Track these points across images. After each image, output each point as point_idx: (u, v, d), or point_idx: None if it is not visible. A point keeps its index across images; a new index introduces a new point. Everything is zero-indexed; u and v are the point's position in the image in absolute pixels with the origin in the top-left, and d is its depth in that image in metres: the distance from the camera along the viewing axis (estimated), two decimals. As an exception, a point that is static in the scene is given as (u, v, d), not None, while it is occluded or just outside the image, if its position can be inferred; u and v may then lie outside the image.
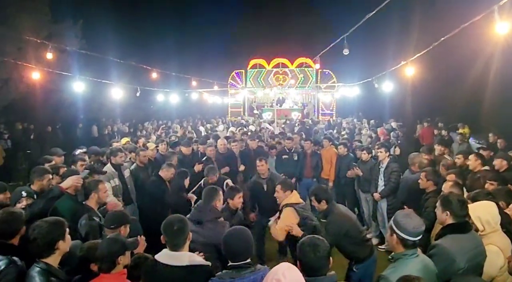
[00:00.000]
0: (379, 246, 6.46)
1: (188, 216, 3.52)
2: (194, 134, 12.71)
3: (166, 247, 2.71)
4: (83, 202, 3.89)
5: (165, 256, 2.63)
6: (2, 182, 4.00)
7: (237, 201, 4.25)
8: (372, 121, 17.47)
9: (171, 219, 2.72)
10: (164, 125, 11.61)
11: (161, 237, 2.69)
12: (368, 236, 6.74)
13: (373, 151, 7.01)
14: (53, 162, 5.17)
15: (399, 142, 9.66)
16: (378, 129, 12.80)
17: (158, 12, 23.02)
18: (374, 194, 6.34)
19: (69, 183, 3.94)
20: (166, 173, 5.60)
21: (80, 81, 7.84)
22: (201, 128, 15.61)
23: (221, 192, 3.89)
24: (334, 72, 20.83)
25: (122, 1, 20.90)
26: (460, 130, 12.67)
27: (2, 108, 14.81)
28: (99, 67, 12.46)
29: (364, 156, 6.78)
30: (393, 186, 6.00)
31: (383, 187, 6.20)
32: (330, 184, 7.60)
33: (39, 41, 7.99)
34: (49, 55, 6.96)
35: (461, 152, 6.26)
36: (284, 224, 4.05)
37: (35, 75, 7.84)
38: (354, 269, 3.96)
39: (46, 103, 15.35)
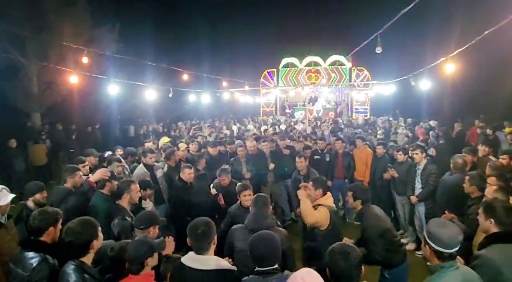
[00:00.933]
0: (416, 252, 6.19)
1: (244, 224, 3.50)
2: (228, 133, 12.81)
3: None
4: (116, 202, 3.99)
5: (191, 259, 2.61)
6: (40, 182, 4.15)
7: (243, 198, 4.30)
8: (409, 119, 16.82)
9: (197, 222, 2.70)
10: (196, 126, 11.75)
11: (187, 239, 2.68)
12: (404, 240, 6.57)
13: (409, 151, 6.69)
14: (87, 162, 5.34)
15: (440, 141, 9.13)
16: (416, 128, 12.25)
17: (190, 14, 23.42)
18: (411, 197, 6.05)
19: (98, 176, 4.07)
20: (184, 175, 5.58)
21: (115, 84, 8.07)
22: (234, 127, 15.75)
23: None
24: (368, 70, 20.28)
25: (156, 6, 21.45)
26: (507, 129, 11.81)
27: (45, 110, 15.64)
28: (133, 70, 12.85)
29: (400, 157, 6.49)
30: (431, 189, 5.70)
31: (421, 190, 5.90)
32: (365, 185, 7.33)
33: (76, 47, 8.25)
34: (85, 60, 7.23)
35: (506, 152, 5.76)
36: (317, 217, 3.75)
37: (74, 79, 8.19)
38: (386, 275, 3.81)
39: (85, 105, 16.05)
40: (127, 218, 3.83)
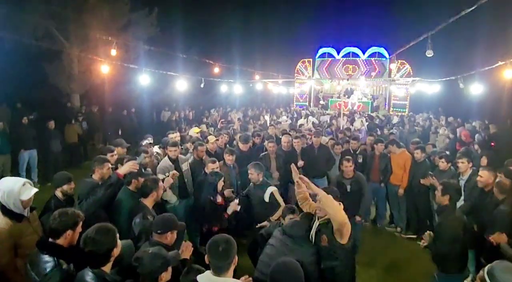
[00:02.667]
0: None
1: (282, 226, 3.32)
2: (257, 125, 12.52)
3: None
4: (139, 199, 3.86)
5: (207, 281, 2.41)
6: (67, 173, 4.12)
7: None
8: (450, 118, 15.78)
9: (217, 239, 2.49)
10: (224, 120, 11.55)
11: (205, 257, 2.47)
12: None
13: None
14: (115, 152, 5.27)
15: (492, 144, 8.28)
16: (460, 129, 11.41)
17: (227, 3, 22.95)
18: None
19: (126, 168, 3.93)
20: (207, 169, 5.34)
21: (147, 73, 8.01)
22: (266, 117, 15.40)
23: None
24: (411, 64, 19.14)
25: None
26: None
27: (84, 92, 16.08)
28: (166, 59, 12.78)
29: (443, 164, 5.97)
30: (474, 204, 5.16)
31: (463, 203, 5.38)
32: (401, 191, 6.88)
33: (106, 38, 8.26)
34: (113, 52, 7.22)
35: None
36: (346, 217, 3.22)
37: (106, 68, 8.23)
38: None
39: (119, 91, 16.32)
40: (149, 217, 3.69)
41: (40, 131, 9.75)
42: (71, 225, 2.76)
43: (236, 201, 4.74)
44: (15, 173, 9.04)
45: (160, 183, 3.96)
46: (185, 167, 5.76)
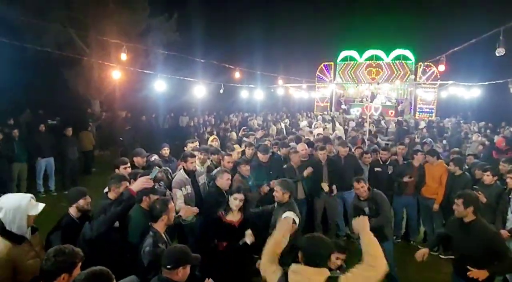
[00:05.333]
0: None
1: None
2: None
3: None
4: (150, 224, 3.42)
5: None
6: (82, 188, 3.81)
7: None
8: (481, 123, 14.85)
9: None
10: (245, 127, 11.08)
11: None
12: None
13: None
14: (128, 164, 4.89)
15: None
16: (496, 137, 10.54)
17: (247, 7, 22.64)
18: (502, 231, 4.88)
19: (139, 185, 3.52)
20: (220, 181, 4.84)
21: (163, 79, 7.68)
22: (282, 125, 14.66)
23: None
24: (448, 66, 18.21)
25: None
26: None
27: (103, 98, 16.05)
28: (185, 64, 12.53)
29: (488, 178, 5.31)
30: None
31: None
32: (436, 206, 6.24)
33: (123, 44, 8.00)
34: (124, 56, 6.91)
35: None
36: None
37: (118, 74, 8.01)
38: None
39: (138, 97, 16.20)
40: (160, 245, 3.24)
41: (58, 139, 9.59)
42: (67, 267, 2.31)
43: (249, 231, 4.08)
44: (31, 181, 8.89)
45: (171, 205, 3.50)
46: (201, 180, 5.31)
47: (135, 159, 5.73)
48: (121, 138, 12.77)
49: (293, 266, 2.43)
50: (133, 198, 3.44)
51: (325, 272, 2.39)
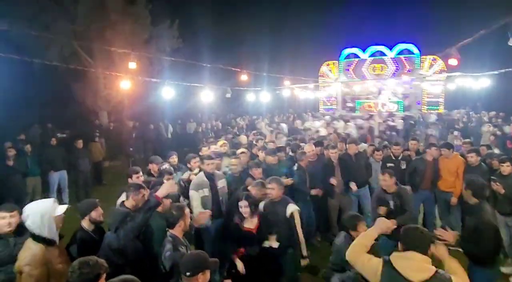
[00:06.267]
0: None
1: None
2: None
3: None
4: (167, 230, 3.41)
5: None
6: (93, 199, 3.82)
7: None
8: (492, 113, 14.62)
9: None
10: (255, 131, 11.03)
11: None
12: (506, 270, 5.33)
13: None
14: (141, 173, 4.90)
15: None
16: (510, 127, 10.39)
17: (249, 10, 22.66)
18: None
19: (165, 190, 3.51)
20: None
21: (170, 86, 7.70)
22: (283, 125, 14.50)
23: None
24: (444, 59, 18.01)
25: (213, 1, 21.10)
26: None
27: (111, 108, 16.15)
28: (191, 69, 12.59)
29: (508, 168, 5.22)
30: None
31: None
32: (454, 199, 6.14)
33: (126, 51, 8.07)
34: (133, 65, 7.01)
35: None
36: None
37: (127, 84, 8.08)
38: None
39: (145, 105, 16.26)
40: (180, 248, 3.24)
41: (69, 151, 9.65)
42: (93, 279, 2.32)
43: (273, 235, 4.12)
44: (45, 195, 8.94)
45: (187, 210, 3.50)
46: (221, 184, 5.27)
47: (150, 166, 5.77)
48: (131, 149, 12.81)
49: (401, 253, 2.61)
50: (159, 203, 3.44)
51: (430, 263, 2.55)
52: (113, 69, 13.57)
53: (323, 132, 10.89)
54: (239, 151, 6.69)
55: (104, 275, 2.36)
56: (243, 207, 4.10)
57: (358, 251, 2.82)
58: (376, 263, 2.65)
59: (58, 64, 10.92)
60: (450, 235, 3.46)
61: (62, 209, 3.10)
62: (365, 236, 2.98)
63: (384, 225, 3.06)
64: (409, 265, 2.50)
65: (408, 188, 5.66)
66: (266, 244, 4.05)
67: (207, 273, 2.70)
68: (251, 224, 4.15)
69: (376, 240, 3.00)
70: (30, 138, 10.97)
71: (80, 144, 9.80)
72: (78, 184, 9.64)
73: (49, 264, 2.93)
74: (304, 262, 4.01)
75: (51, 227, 2.97)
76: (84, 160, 9.79)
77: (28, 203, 3.15)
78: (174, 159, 6.68)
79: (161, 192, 3.46)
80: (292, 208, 4.39)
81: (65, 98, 16.20)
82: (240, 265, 3.95)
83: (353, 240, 3.14)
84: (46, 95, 16.05)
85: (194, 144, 14.13)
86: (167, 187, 3.52)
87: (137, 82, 8.22)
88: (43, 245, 2.92)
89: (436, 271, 2.47)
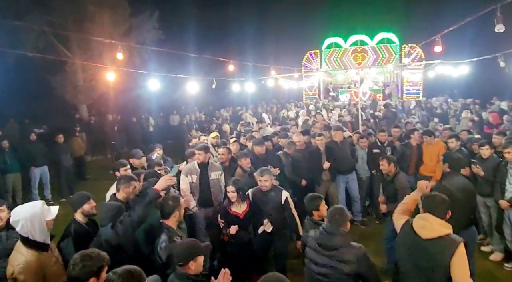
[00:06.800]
0: (506, 264, 5.21)
1: (314, 237, 3.07)
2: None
3: None
4: (161, 221, 3.41)
5: None
6: (86, 192, 3.76)
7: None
8: (468, 100, 15.09)
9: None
10: (243, 121, 11.04)
11: None
12: (486, 248, 5.60)
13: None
14: (128, 166, 4.86)
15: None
16: (486, 112, 10.75)
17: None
18: (501, 202, 5.05)
19: (163, 183, 3.50)
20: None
21: (155, 77, 7.58)
22: (264, 115, 14.64)
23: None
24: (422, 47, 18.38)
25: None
26: None
27: (91, 101, 15.80)
28: (175, 60, 12.41)
29: (487, 152, 5.42)
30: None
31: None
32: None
33: (113, 41, 7.87)
34: (121, 56, 6.78)
35: None
36: None
37: (112, 76, 7.88)
38: None
39: (127, 98, 15.98)
40: (176, 239, 3.26)
41: (50, 146, 9.43)
42: (96, 271, 2.29)
43: (266, 221, 4.36)
44: (26, 191, 8.74)
45: (182, 201, 3.52)
46: (214, 176, 5.27)
47: (131, 160, 5.65)
48: (113, 142, 12.62)
49: (420, 214, 2.90)
50: (159, 197, 3.43)
51: (449, 229, 2.76)
52: (92, 61, 13.25)
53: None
54: (231, 140, 6.72)
55: (106, 268, 2.36)
56: (230, 191, 4.34)
57: (400, 212, 3.19)
58: (403, 221, 3.01)
59: (32, 55, 10.46)
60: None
61: (54, 212, 3.01)
62: (409, 200, 3.32)
63: (423, 185, 3.45)
64: (422, 223, 2.81)
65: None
66: (260, 229, 4.22)
67: (199, 259, 2.75)
68: (238, 208, 4.40)
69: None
70: (7, 134, 10.62)
71: (60, 138, 9.58)
72: (61, 180, 9.48)
73: (44, 268, 2.86)
74: (299, 244, 4.13)
75: (42, 229, 2.88)
76: (66, 155, 9.62)
77: (8, 200, 3.06)
78: (159, 151, 6.66)
79: (160, 185, 3.46)
80: (286, 194, 4.59)
81: (42, 92, 15.72)
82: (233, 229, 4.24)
83: (315, 222, 3.53)
84: (22, 89, 15.52)
85: (178, 136, 14.07)
86: (167, 180, 3.52)
87: (120, 74, 8.05)
88: (35, 252, 2.84)
89: (447, 234, 2.72)
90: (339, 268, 2.87)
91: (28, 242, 2.84)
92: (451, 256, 2.62)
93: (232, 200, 4.35)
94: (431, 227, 2.76)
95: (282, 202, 4.51)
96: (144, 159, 5.78)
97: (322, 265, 2.97)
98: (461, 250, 2.64)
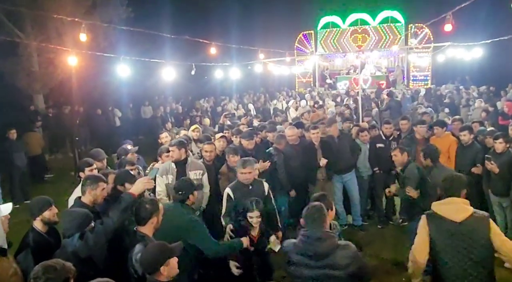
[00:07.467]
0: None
1: (296, 252, 3.04)
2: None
3: None
4: (135, 228, 3.42)
5: None
6: (47, 196, 3.73)
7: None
8: (482, 87, 15.42)
9: None
10: (227, 113, 11.05)
11: None
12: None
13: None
14: (94, 166, 4.83)
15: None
16: (501, 101, 11.00)
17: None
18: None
19: (140, 187, 3.53)
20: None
21: (125, 61, 7.51)
22: (250, 107, 14.83)
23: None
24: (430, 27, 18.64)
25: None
26: None
27: (49, 91, 15.53)
28: (147, 42, 12.26)
29: (501, 145, 5.57)
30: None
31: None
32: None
33: (75, 19, 7.73)
34: (83, 37, 6.74)
35: None
36: None
37: (74, 60, 7.76)
38: None
39: (91, 87, 15.74)
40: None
41: (0, 143, 9.29)
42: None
43: (273, 238, 4.27)
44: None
45: (160, 205, 3.53)
46: (194, 175, 5.28)
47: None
48: (76, 138, 12.50)
49: (443, 201, 3.25)
50: (136, 201, 3.43)
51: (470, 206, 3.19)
52: (50, 43, 13.01)
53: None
54: (218, 136, 6.74)
55: (72, 281, 2.37)
56: (255, 217, 4.17)
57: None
58: (422, 224, 3.28)
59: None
60: (414, 192, 4.94)
61: (6, 208, 3.02)
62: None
63: None
64: (451, 208, 3.17)
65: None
66: (268, 248, 4.21)
67: (172, 261, 2.76)
68: (254, 232, 4.28)
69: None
70: None
71: (13, 134, 9.42)
72: (14, 182, 9.32)
73: (1, 279, 2.83)
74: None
75: None
76: (20, 153, 9.48)
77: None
78: (131, 147, 6.64)
79: (136, 189, 3.47)
80: (267, 184, 4.83)
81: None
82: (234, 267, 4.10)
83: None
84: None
85: (151, 131, 14.00)
86: (144, 183, 3.53)
87: (84, 59, 7.92)
88: None
89: (474, 211, 3.14)
90: (334, 275, 2.89)
91: None
92: (488, 230, 3.04)
93: (255, 226, 4.22)
94: (462, 208, 3.15)
95: (266, 193, 4.68)
96: (105, 161, 5.69)
97: (313, 279, 2.96)
98: (492, 222, 3.10)
